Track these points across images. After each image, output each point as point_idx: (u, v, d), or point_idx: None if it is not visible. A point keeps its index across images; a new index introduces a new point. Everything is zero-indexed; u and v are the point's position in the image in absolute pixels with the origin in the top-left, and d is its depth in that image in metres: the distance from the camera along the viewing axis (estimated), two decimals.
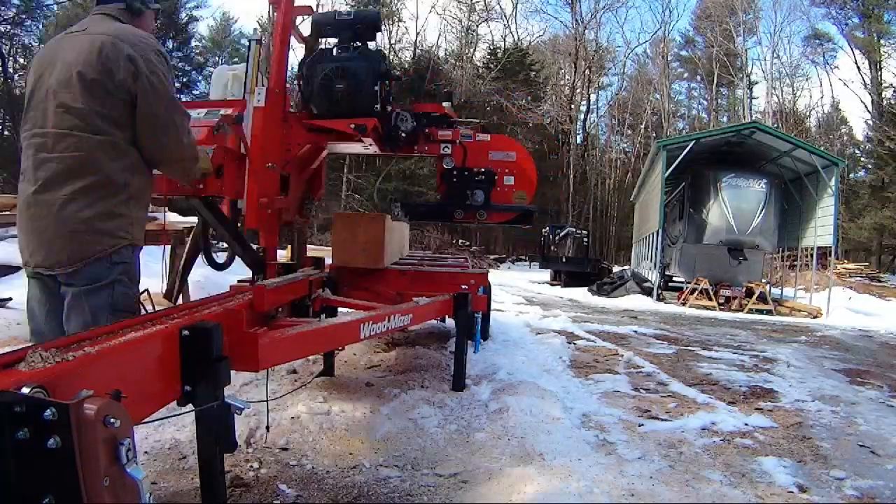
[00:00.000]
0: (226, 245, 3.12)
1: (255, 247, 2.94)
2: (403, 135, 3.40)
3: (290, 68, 3.35)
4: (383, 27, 30.18)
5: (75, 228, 1.67)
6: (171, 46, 30.02)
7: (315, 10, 3.84)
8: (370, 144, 3.37)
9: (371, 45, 3.32)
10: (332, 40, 3.37)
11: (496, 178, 3.61)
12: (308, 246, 3.83)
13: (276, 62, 3.01)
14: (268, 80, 2.97)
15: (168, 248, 5.07)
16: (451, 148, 3.59)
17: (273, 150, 2.85)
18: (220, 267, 3.07)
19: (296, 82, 3.29)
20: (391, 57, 29.83)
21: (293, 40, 3.27)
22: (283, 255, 3.44)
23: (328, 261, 3.73)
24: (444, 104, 3.72)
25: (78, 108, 1.69)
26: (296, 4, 3.15)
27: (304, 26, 3.54)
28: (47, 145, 1.70)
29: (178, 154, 1.88)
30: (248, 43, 3.06)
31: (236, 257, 3.01)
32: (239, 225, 2.87)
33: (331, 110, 3.13)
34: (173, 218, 6.59)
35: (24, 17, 21.92)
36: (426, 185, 20.49)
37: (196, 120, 2.43)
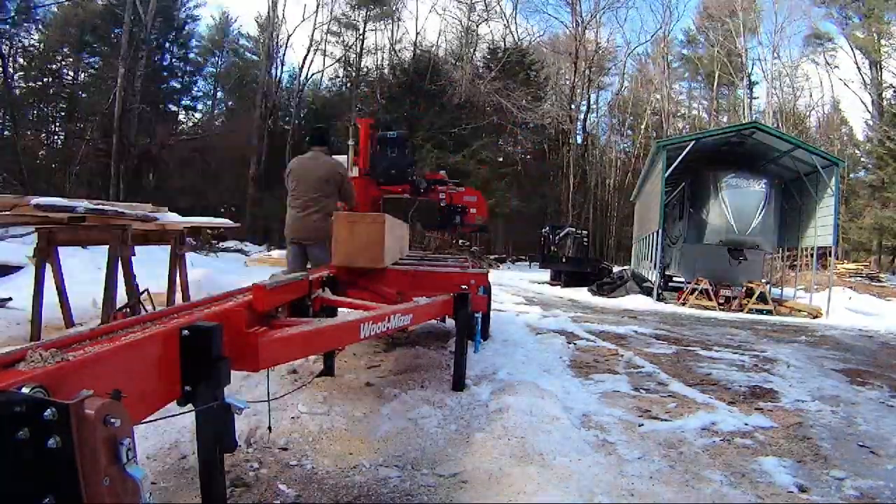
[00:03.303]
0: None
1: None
2: (422, 190, 7.34)
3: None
4: (383, 26, 30.24)
5: (318, 228, 4.25)
6: (170, 47, 30.06)
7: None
8: (405, 195, 7.31)
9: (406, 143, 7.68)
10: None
11: (467, 209, 7.86)
12: None
13: (362, 155, 7.05)
14: (358, 163, 6.98)
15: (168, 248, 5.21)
16: (444, 195, 7.58)
17: (363, 199, 5.81)
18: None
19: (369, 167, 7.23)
20: (391, 57, 29.86)
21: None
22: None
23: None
24: (441, 172, 7.66)
25: (325, 188, 4.39)
26: (366, 120, 7.31)
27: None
28: (308, 199, 4.36)
29: (353, 202, 4.73)
30: (349, 144, 7.27)
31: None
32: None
33: (388, 182, 7.08)
34: (174, 218, 6.60)
35: (23, 17, 21.90)
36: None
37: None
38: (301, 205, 4.33)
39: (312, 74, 31.38)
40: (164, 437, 2.45)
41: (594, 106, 35.58)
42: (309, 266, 4.16)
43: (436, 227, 10.71)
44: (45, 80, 25.87)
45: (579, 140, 32.62)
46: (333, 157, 4.76)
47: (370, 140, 7.11)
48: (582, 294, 13.47)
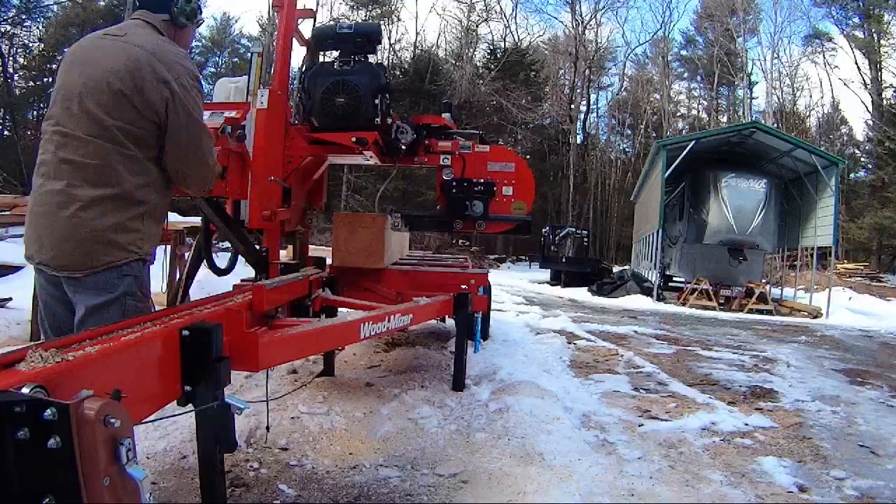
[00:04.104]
0: (228, 248, 3.22)
1: (257, 247, 3.01)
2: (403, 146, 3.47)
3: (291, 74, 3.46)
4: (384, 27, 30.19)
5: (86, 236, 1.65)
6: None
7: (316, 11, 4.08)
8: (371, 157, 3.44)
9: (371, 58, 3.37)
10: (334, 53, 3.43)
11: (495, 188, 3.67)
12: (310, 246, 3.91)
13: (278, 64, 3.08)
14: (273, 84, 3.02)
15: (169, 247, 5.08)
16: (451, 159, 3.65)
17: (275, 161, 2.92)
18: (221, 272, 3.12)
19: (297, 95, 3.34)
20: (391, 57, 29.84)
21: (295, 43, 3.30)
22: (284, 254, 3.54)
23: (328, 261, 3.73)
24: (444, 115, 3.76)
25: (103, 118, 1.68)
26: (298, 7, 3.20)
27: (305, 27, 3.60)
28: (69, 146, 1.68)
29: (201, 173, 1.91)
30: (249, 54, 3.14)
31: (237, 263, 3.11)
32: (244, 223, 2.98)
33: (332, 124, 3.17)
34: (174, 218, 6.59)
35: (23, 17, 21.91)
36: (426, 184, 20.49)
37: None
38: (52, 160, 1.70)
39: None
40: (164, 437, 2.45)
41: (594, 106, 35.59)
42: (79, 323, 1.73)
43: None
44: (45, 80, 25.85)
45: (579, 140, 32.59)
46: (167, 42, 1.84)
47: (299, 35, 3.38)
48: (582, 294, 13.48)
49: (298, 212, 3.33)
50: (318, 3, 28.97)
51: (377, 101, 3.18)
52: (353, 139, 3.11)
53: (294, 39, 3.30)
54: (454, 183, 3.66)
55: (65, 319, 1.76)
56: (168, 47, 1.80)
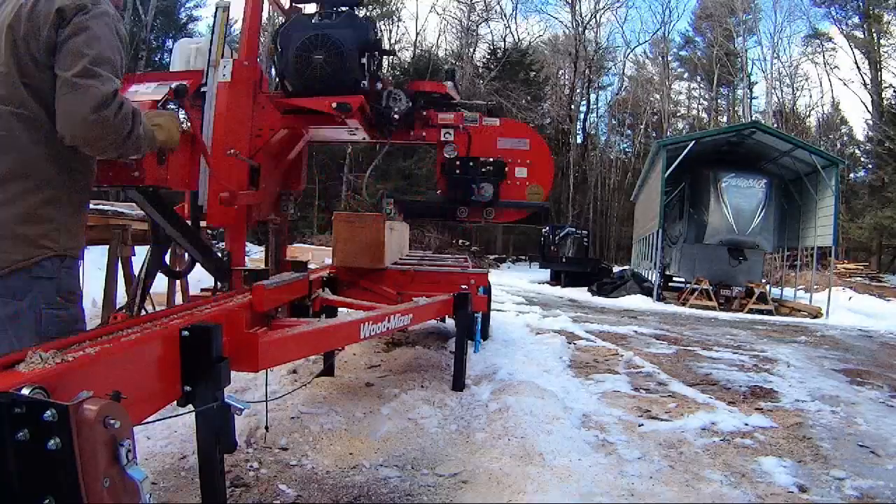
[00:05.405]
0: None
1: (217, 250, 2.60)
2: (396, 117, 2.86)
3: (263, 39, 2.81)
4: (383, 27, 30.15)
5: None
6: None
7: None
8: (356, 128, 2.84)
9: (358, 12, 2.81)
10: (312, 7, 2.86)
11: (507, 169, 3.10)
12: (296, 245, 3.68)
13: (246, 31, 2.54)
14: (237, 52, 2.57)
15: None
16: (454, 134, 3.10)
17: (239, 134, 2.44)
18: (175, 275, 2.66)
19: (269, 57, 2.83)
20: (391, 57, 29.80)
21: (270, 9, 2.82)
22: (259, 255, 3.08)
23: (328, 261, 3.71)
24: (447, 83, 3.19)
25: (1, 71, 1.35)
26: None
27: None
28: None
29: (97, 130, 1.36)
30: (214, 10, 2.56)
31: (195, 264, 2.60)
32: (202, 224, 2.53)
33: (309, 87, 2.57)
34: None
35: None
36: (427, 183, 20.46)
37: (143, 95, 2.14)
38: None
39: None
40: (164, 437, 2.45)
41: (594, 106, 35.60)
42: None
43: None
44: None
45: (579, 140, 32.59)
46: None
47: (281, 12, 3.01)
48: (582, 294, 13.48)
49: (271, 197, 2.85)
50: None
51: (363, 61, 2.60)
52: (334, 105, 2.53)
53: (268, 3, 2.81)
54: (458, 162, 3.09)
55: None
56: None
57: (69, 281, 1.48)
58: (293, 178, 3.22)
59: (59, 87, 1.35)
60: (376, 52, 2.73)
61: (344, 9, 2.70)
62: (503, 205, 3.19)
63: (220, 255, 2.51)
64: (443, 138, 3.12)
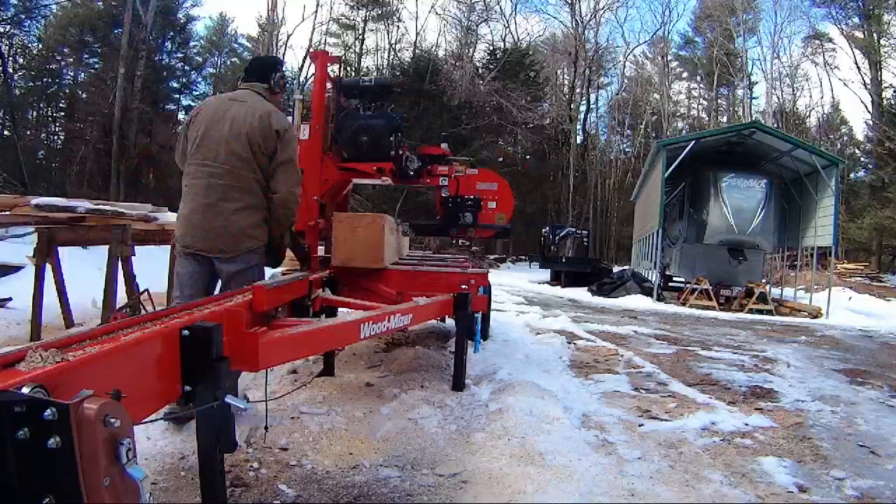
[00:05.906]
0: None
1: (303, 244, 3.53)
2: (411, 172, 4.27)
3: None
4: (383, 27, 30.21)
5: (237, 231, 2.65)
6: (170, 48, 30.07)
7: (342, 58, 5.38)
8: (386, 180, 4.39)
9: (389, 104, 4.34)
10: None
11: (482, 203, 4.64)
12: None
13: (315, 107, 3.87)
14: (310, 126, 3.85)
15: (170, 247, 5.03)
16: (448, 181, 4.46)
17: (314, 182, 3.69)
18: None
19: (330, 129, 4.06)
20: (390, 57, 29.84)
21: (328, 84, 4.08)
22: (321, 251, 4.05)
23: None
24: (442, 145, 4.65)
25: (243, 155, 2.65)
26: (330, 55, 4.05)
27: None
28: (217, 174, 2.63)
29: (293, 193, 2.81)
30: (291, 101, 4.14)
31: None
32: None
33: (358, 156, 4.04)
34: (174, 218, 6.55)
35: (23, 17, 21.90)
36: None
37: None
38: (205, 184, 2.63)
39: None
40: (164, 437, 2.45)
41: (594, 106, 35.55)
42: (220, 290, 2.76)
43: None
44: (45, 80, 25.86)
45: (579, 140, 32.58)
46: (272, 104, 2.85)
47: (332, 88, 4.12)
48: (582, 294, 13.48)
49: (329, 221, 3.98)
50: (317, 3, 29.00)
51: (392, 139, 4.04)
52: (375, 168, 4.08)
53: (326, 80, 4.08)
54: (450, 199, 4.57)
55: (208, 285, 2.77)
56: (275, 109, 2.81)
57: (261, 258, 2.79)
58: (342, 209, 4.53)
59: (279, 166, 2.74)
60: (399, 132, 4.12)
61: (379, 103, 4.15)
62: (480, 227, 4.67)
63: (305, 247, 3.55)
64: (441, 183, 4.48)
